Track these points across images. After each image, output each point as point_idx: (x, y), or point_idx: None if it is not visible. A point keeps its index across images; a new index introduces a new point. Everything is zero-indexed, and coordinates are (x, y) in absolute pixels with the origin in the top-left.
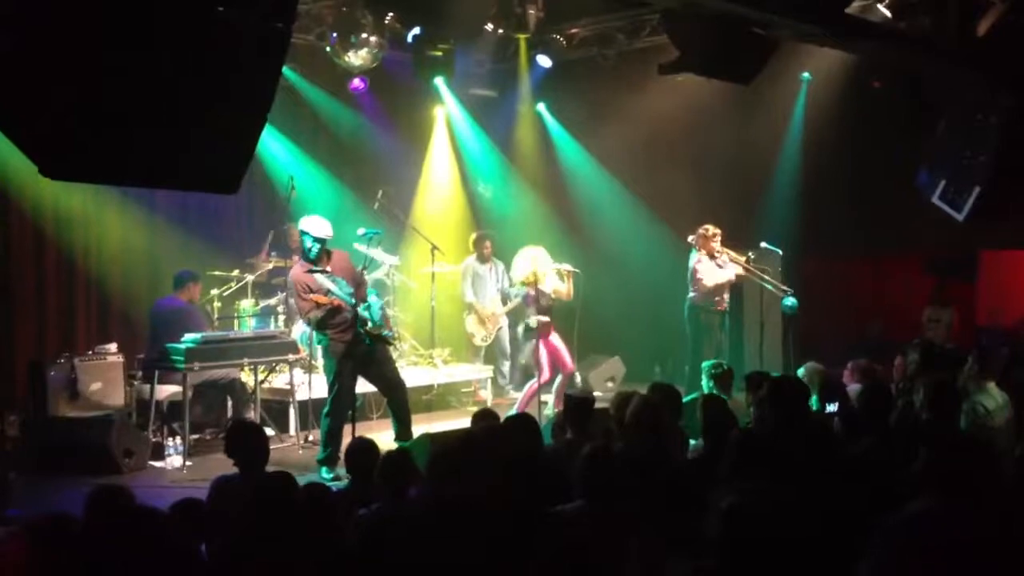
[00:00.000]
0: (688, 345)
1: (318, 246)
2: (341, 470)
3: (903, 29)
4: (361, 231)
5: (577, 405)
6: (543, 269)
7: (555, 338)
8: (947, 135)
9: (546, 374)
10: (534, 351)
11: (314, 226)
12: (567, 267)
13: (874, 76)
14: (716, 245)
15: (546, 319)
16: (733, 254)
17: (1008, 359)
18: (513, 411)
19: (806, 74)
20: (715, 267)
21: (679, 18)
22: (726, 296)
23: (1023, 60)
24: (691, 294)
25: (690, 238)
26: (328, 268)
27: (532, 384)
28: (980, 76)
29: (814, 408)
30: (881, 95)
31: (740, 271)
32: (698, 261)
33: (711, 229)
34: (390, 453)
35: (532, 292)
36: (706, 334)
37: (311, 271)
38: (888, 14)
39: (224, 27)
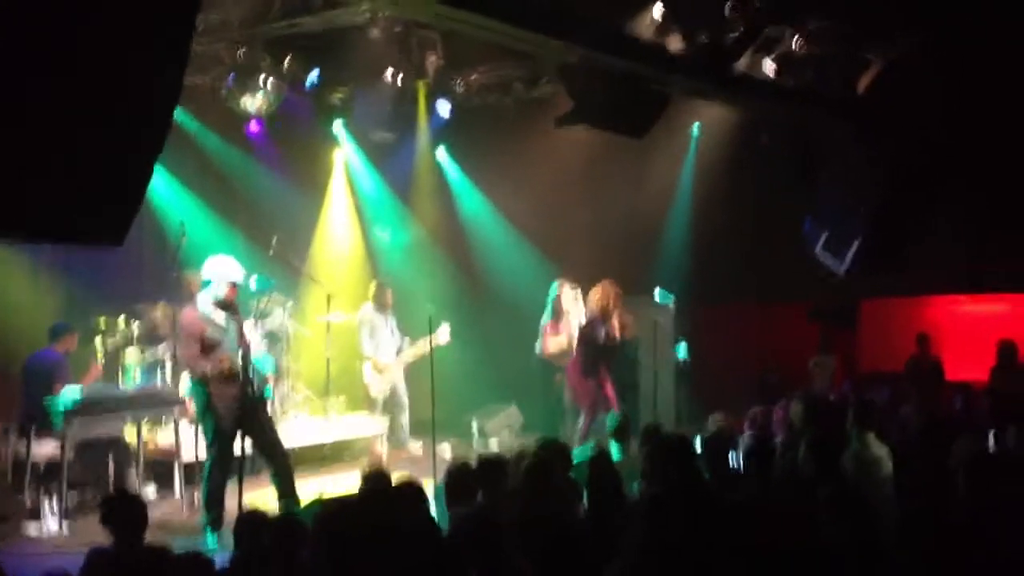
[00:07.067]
0: None
1: (225, 290)
2: (227, 531)
3: (788, 84)
4: (252, 282)
5: (453, 477)
6: (613, 307)
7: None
8: (829, 188)
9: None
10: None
11: (222, 268)
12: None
13: (762, 130)
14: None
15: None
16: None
17: (888, 406)
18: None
19: (696, 126)
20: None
21: (575, 72)
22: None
23: (900, 115)
24: None
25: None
26: (230, 316)
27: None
28: (860, 130)
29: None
30: (769, 147)
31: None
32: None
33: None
34: (279, 519)
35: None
36: None
37: (205, 318)
38: (774, 69)
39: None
